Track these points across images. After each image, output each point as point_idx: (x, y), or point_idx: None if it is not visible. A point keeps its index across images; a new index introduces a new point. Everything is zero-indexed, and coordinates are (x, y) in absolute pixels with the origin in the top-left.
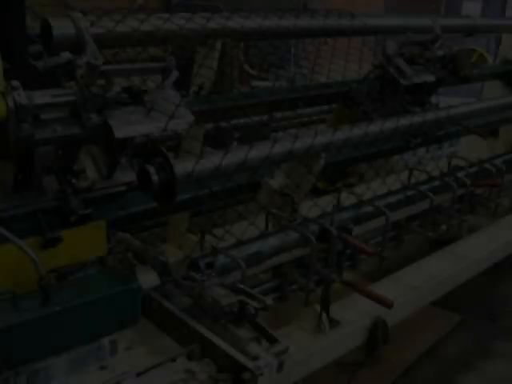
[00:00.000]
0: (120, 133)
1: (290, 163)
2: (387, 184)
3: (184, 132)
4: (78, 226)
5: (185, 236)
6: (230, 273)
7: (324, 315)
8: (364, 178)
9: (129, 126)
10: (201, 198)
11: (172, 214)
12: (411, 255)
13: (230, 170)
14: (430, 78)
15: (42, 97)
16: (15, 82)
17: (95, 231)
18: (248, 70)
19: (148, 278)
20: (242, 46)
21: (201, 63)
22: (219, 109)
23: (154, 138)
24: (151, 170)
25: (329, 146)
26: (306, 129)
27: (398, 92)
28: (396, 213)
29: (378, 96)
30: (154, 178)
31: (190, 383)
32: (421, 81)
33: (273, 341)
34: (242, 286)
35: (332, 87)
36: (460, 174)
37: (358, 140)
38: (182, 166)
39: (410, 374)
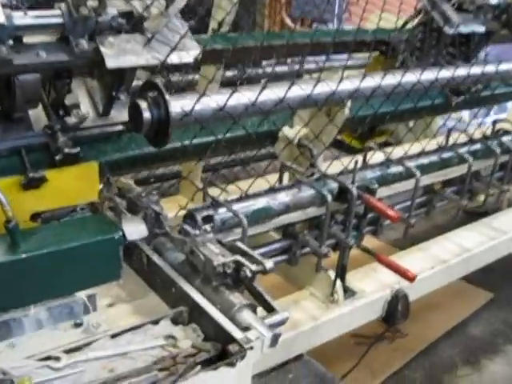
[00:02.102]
0: (112, 62)
1: (310, 111)
2: (422, 144)
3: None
4: (66, 167)
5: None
6: (231, 230)
7: (339, 283)
8: (397, 138)
9: (123, 55)
10: (209, 146)
11: (173, 161)
12: (443, 225)
13: (236, 111)
14: (479, 29)
15: (23, 17)
16: None
17: (86, 173)
18: (288, 23)
19: (135, 229)
20: None
21: None
22: (239, 49)
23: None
24: (143, 105)
25: (356, 94)
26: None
27: (442, 42)
28: (428, 176)
29: (419, 45)
30: (146, 114)
31: (169, 350)
32: (468, 31)
33: (270, 310)
34: (240, 245)
35: (369, 34)
36: (505, 139)
37: (390, 90)
38: (180, 104)
39: (430, 352)
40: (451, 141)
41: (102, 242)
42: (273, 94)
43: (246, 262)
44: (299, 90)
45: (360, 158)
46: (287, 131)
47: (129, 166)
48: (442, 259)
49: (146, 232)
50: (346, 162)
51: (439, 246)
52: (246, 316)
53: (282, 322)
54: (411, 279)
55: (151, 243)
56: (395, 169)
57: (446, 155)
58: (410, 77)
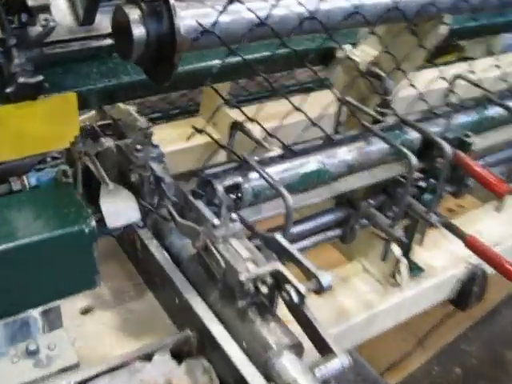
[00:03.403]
0: None
1: (388, 26)
2: None
3: None
4: (28, 102)
5: (222, 110)
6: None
7: (404, 262)
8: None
9: None
10: (238, 67)
11: (188, 87)
12: None
13: (285, 27)
14: None
15: None
16: None
17: (59, 109)
18: None
19: (120, 210)
20: None
21: None
22: None
23: None
24: (133, 15)
25: (458, 5)
26: None
27: None
28: None
29: None
30: (138, 31)
31: None
32: None
33: (325, 350)
34: (281, 241)
35: None
36: None
37: None
38: (193, 14)
39: (488, 320)
40: None
41: (64, 238)
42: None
43: (291, 278)
44: None
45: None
46: (350, 52)
47: (123, 96)
48: None
49: (138, 215)
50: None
51: None
52: (289, 366)
53: (340, 371)
54: None
55: (148, 217)
56: (494, 110)
57: None
58: None
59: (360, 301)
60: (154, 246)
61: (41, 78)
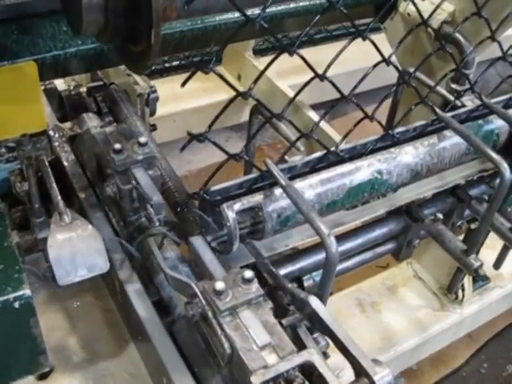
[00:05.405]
0: None
1: None
2: None
3: None
4: None
5: (247, 62)
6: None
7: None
8: None
9: None
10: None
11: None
12: None
13: None
14: None
15: None
16: None
17: (14, 84)
18: None
19: (78, 255)
20: None
21: None
22: None
23: None
24: None
25: None
26: None
27: None
28: None
29: None
30: None
31: None
32: None
33: None
34: (320, 310)
35: None
36: None
37: None
38: None
39: None
40: None
41: None
42: None
43: (330, 378)
44: None
45: None
46: (416, 4)
47: (104, 63)
48: None
49: (105, 264)
50: None
51: None
52: None
53: None
54: None
55: (133, 241)
56: None
57: None
58: None
59: (410, 319)
60: (134, 293)
61: None
